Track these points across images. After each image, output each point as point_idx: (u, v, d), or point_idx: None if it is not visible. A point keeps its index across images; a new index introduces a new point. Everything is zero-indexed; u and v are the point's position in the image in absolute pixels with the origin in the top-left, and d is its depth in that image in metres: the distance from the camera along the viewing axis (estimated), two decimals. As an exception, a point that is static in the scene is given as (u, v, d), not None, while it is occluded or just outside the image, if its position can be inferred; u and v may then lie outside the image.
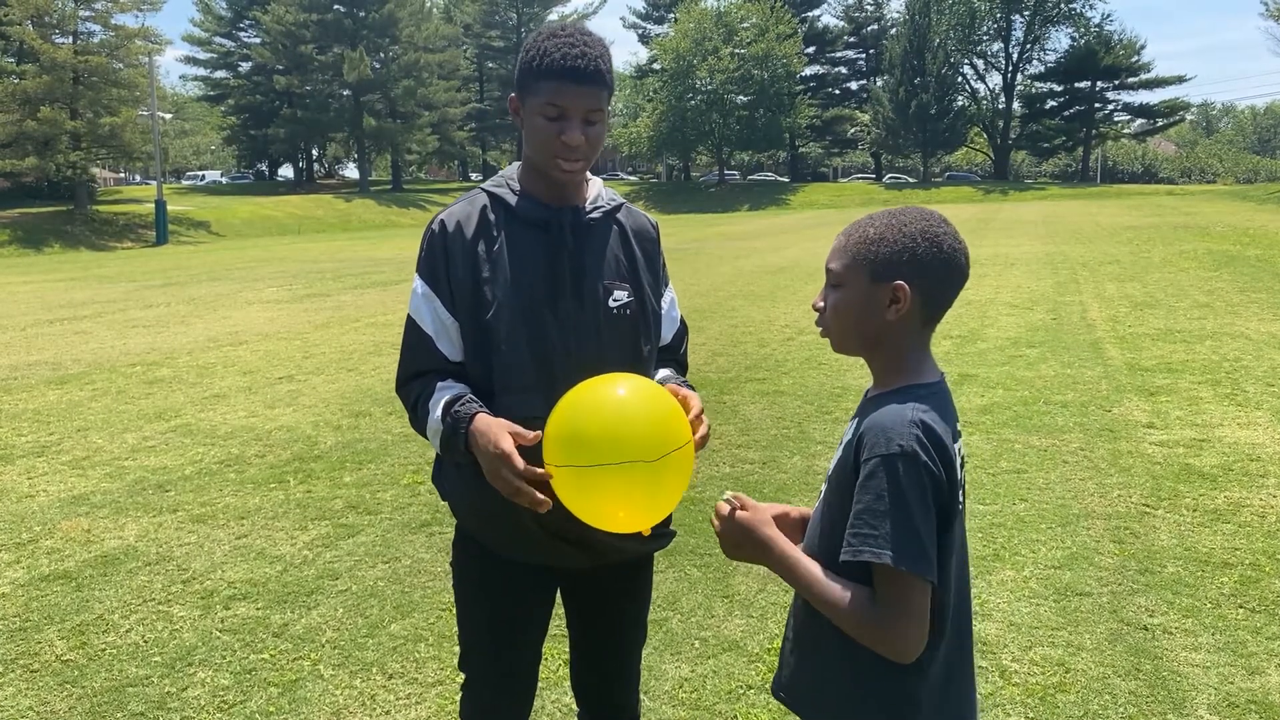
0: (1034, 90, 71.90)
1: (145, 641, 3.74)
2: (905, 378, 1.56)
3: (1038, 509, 4.90)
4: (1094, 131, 69.05)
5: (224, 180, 65.98)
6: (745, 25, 62.39)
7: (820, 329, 1.64)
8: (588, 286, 1.99)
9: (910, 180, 71.12)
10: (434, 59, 57.36)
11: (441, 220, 2.00)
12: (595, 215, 2.04)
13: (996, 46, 70.98)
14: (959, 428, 1.59)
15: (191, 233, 38.47)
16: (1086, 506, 4.92)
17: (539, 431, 1.78)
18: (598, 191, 2.08)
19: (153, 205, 37.83)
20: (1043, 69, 70.79)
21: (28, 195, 41.53)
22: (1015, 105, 71.14)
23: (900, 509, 1.44)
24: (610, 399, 1.76)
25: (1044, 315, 11.46)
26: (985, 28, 69.68)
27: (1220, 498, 4.98)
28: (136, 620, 3.93)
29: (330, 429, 6.97)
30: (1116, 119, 70.61)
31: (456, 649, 3.72)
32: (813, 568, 1.53)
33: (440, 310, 1.96)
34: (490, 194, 2.03)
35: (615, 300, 2.01)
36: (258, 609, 4.01)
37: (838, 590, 1.48)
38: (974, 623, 3.65)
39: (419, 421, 1.96)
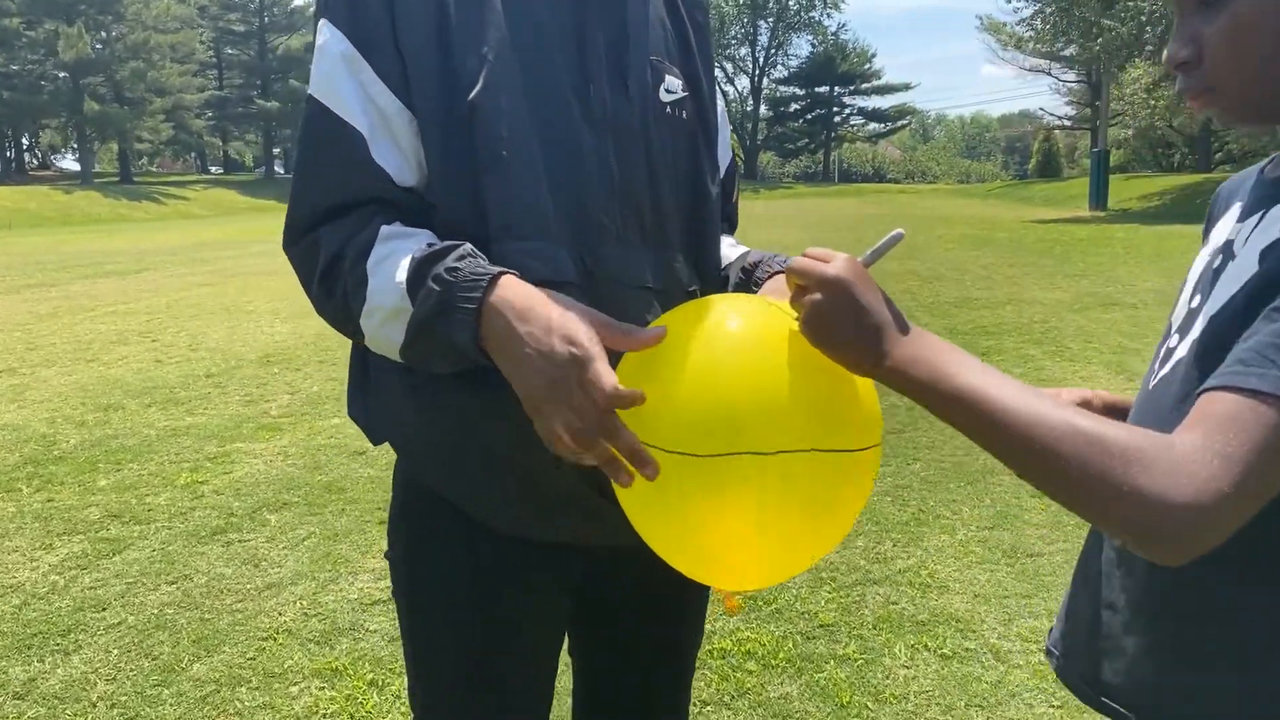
0: (779, 94, 75.29)
1: None
2: None
3: (937, 469, 4.45)
4: (833, 134, 73.12)
5: (-90, 171, 57.36)
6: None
7: (1191, 90, 0.89)
8: (633, 63, 1.16)
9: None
10: (165, 40, 52.32)
11: None
12: None
13: (744, 51, 73.72)
14: None
15: None
16: (985, 463, 4.52)
17: (660, 329, 0.96)
18: None
19: None
20: (786, 74, 74.30)
21: None
22: (762, 108, 74.20)
23: None
24: (771, 332, 0.95)
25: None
26: (733, 32, 72.17)
27: (1108, 447, 4.74)
28: None
29: (72, 425, 5.58)
30: (852, 122, 75.13)
31: (295, 688, 2.78)
32: (992, 374, 0.81)
33: (377, 87, 1.06)
34: None
35: (668, 92, 1.20)
36: (-13, 661, 2.84)
37: (1072, 415, 0.75)
38: (932, 595, 3.10)
39: (349, 296, 1.04)
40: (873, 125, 75.28)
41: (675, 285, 1.17)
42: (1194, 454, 0.71)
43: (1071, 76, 47.49)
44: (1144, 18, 25.16)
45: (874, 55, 73.37)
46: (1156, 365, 0.94)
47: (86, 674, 2.76)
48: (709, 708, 2.52)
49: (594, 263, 1.08)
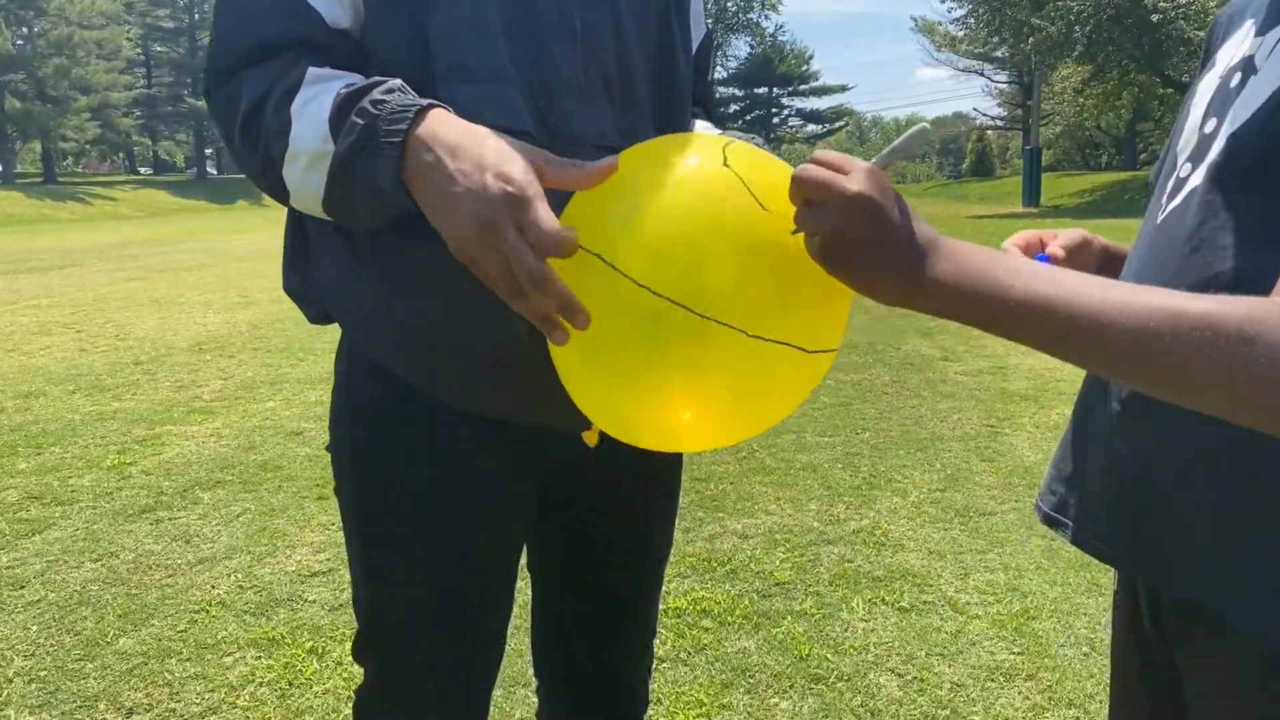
0: (718, 95, 75.59)
1: None
2: None
3: (885, 437, 4.43)
4: (772, 135, 73.71)
5: None
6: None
7: None
8: None
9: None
10: (91, 36, 50.84)
11: None
12: None
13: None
14: None
15: None
16: (932, 430, 4.52)
17: (612, 159, 0.87)
18: None
19: None
20: (725, 75, 74.66)
21: None
22: (702, 108, 74.48)
23: None
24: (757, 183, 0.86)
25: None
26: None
27: (1054, 414, 4.76)
28: None
29: (-10, 412, 5.32)
30: (791, 123, 75.82)
31: (228, 658, 2.63)
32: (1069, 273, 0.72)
33: None
34: None
35: None
36: (-107, 641, 2.65)
37: (1171, 300, 0.66)
38: (887, 553, 3.06)
39: (272, 143, 0.92)
40: (811, 126, 75.91)
41: None
42: None
43: (1003, 77, 48.43)
44: (1073, 17, 25.71)
45: (811, 57, 73.99)
46: (1164, 199, 0.87)
47: (2, 650, 2.59)
48: (665, 664, 2.44)
49: (554, 115, 0.99)
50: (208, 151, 62.61)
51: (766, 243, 0.84)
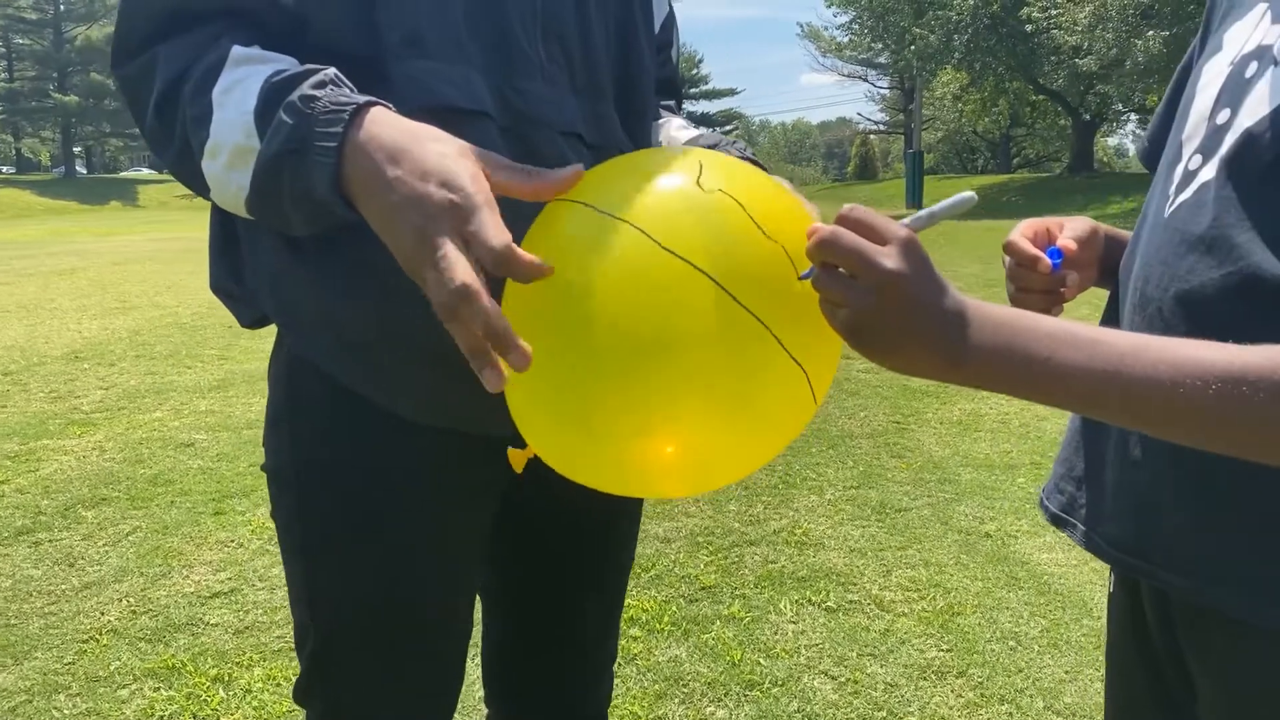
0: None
1: None
2: None
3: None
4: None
5: None
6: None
7: None
8: None
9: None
10: (-57, 27, 47.96)
11: None
12: None
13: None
14: None
15: None
16: (842, 427, 4.55)
17: (577, 166, 0.78)
18: None
19: None
20: (617, 76, 74.91)
21: None
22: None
23: None
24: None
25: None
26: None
27: (955, 410, 4.86)
28: None
29: None
30: (683, 127, 76.37)
31: (124, 690, 2.45)
32: (1137, 335, 0.68)
33: None
34: None
35: None
36: None
37: (1223, 355, 0.63)
38: (809, 552, 3.05)
39: (190, 132, 0.81)
40: (702, 130, 76.62)
41: (612, 142, 1.01)
42: None
43: (886, 83, 49.86)
44: (951, 26, 26.63)
45: (701, 60, 74.80)
46: (1172, 191, 0.83)
47: None
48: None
49: (515, 95, 0.91)
50: (76, 150, 59.54)
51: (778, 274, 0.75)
